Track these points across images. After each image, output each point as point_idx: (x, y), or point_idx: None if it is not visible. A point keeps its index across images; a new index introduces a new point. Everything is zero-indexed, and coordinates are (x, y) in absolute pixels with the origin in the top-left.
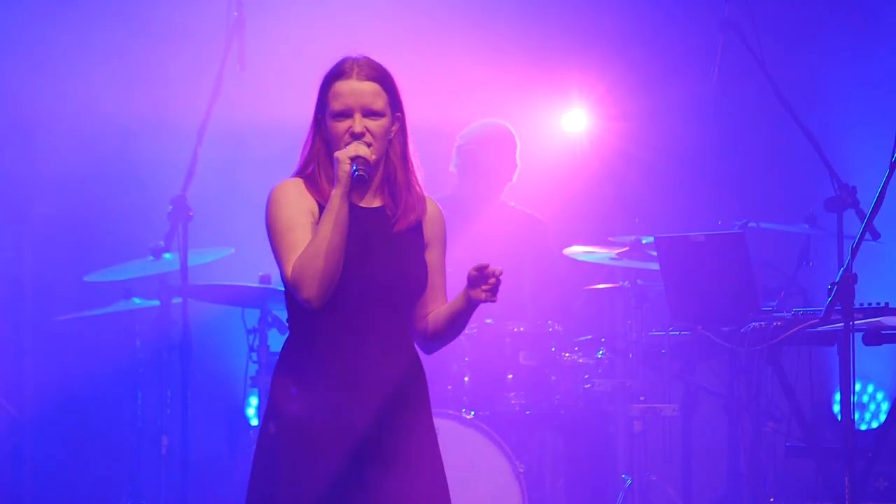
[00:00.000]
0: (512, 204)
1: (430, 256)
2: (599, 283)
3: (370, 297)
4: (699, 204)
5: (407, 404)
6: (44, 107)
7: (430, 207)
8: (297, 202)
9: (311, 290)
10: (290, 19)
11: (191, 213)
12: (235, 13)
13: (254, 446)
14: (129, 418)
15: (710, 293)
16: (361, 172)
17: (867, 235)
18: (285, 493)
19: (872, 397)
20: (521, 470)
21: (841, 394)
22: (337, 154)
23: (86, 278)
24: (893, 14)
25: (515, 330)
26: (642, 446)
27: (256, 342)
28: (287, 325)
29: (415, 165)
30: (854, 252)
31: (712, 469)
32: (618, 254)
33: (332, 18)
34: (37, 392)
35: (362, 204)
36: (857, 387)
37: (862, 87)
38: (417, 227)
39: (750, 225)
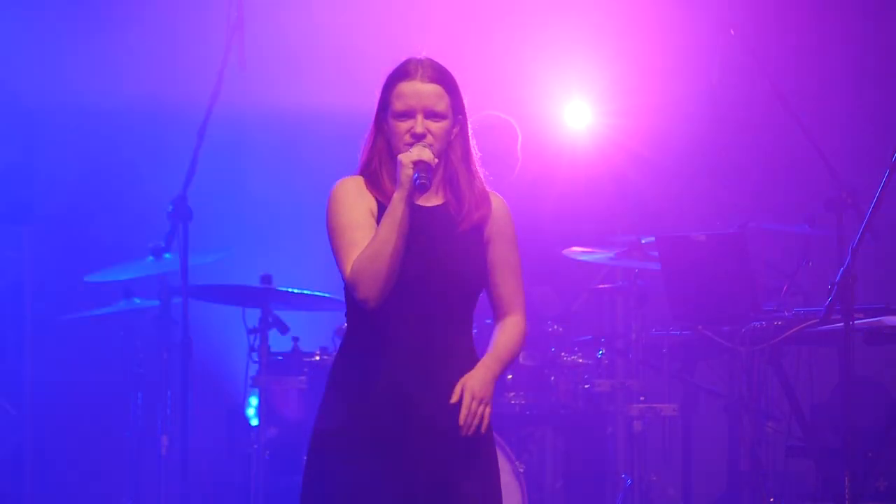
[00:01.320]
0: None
1: (496, 252)
2: (599, 283)
3: (427, 294)
4: (699, 204)
5: (457, 406)
6: (44, 107)
7: (494, 202)
8: (357, 201)
9: (368, 290)
10: (290, 18)
11: (191, 213)
12: (235, 12)
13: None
14: (129, 418)
15: (710, 293)
16: (423, 181)
17: (867, 235)
18: (340, 492)
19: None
20: (521, 470)
21: (841, 394)
22: (400, 157)
23: (86, 278)
24: (893, 13)
25: None
26: (642, 446)
27: (257, 342)
28: (345, 319)
29: (475, 165)
30: (854, 252)
31: (712, 469)
32: (618, 254)
33: (332, 18)
34: (37, 392)
35: (422, 202)
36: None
37: (862, 87)
38: (479, 225)
39: (750, 225)
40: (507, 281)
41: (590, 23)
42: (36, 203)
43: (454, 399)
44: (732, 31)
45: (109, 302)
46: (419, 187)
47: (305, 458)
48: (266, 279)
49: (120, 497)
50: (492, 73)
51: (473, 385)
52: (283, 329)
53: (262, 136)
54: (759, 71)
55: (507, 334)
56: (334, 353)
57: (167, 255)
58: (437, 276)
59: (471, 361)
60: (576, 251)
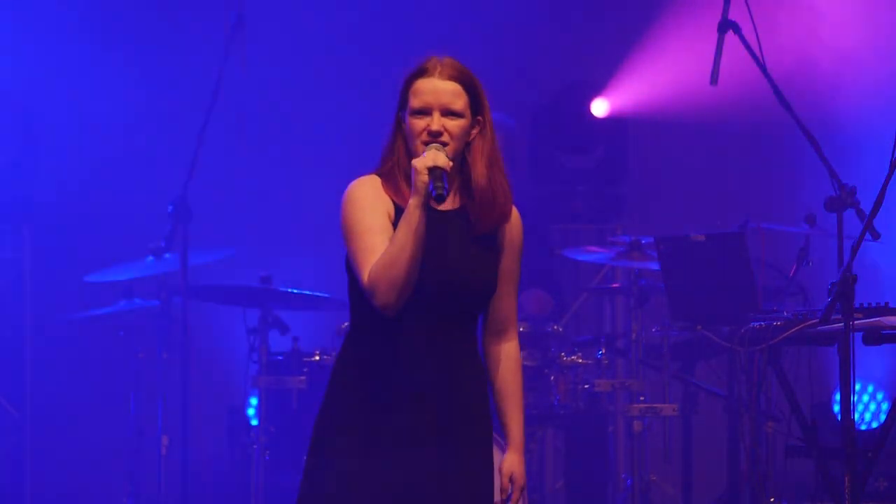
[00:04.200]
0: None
1: (505, 263)
2: (599, 283)
3: (437, 299)
4: (699, 204)
5: (465, 409)
6: (44, 107)
7: (512, 213)
8: (373, 204)
9: (386, 297)
10: (290, 19)
11: (191, 214)
12: (236, 13)
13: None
14: (129, 418)
15: (710, 293)
16: (440, 192)
17: (867, 235)
18: (341, 492)
19: (872, 397)
20: None
21: (841, 394)
22: (414, 163)
23: (86, 278)
24: (894, 12)
25: None
26: (642, 446)
27: (257, 342)
28: (350, 319)
29: (503, 170)
30: (854, 252)
31: (712, 469)
32: (618, 254)
33: (333, 18)
34: (37, 392)
35: (439, 206)
36: (857, 387)
37: (862, 87)
38: (494, 233)
39: (750, 225)
40: (510, 293)
41: (586, 25)
42: (36, 203)
43: (503, 496)
44: (732, 31)
45: (109, 302)
46: (436, 199)
47: (306, 457)
48: (266, 279)
49: (120, 497)
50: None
51: (519, 479)
52: (283, 329)
53: (262, 136)
54: (759, 71)
55: (516, 379)
56: (335, 353)
57: (167, 255)
58: (449, 281)
59: (476, 366)
60: (576, 251)
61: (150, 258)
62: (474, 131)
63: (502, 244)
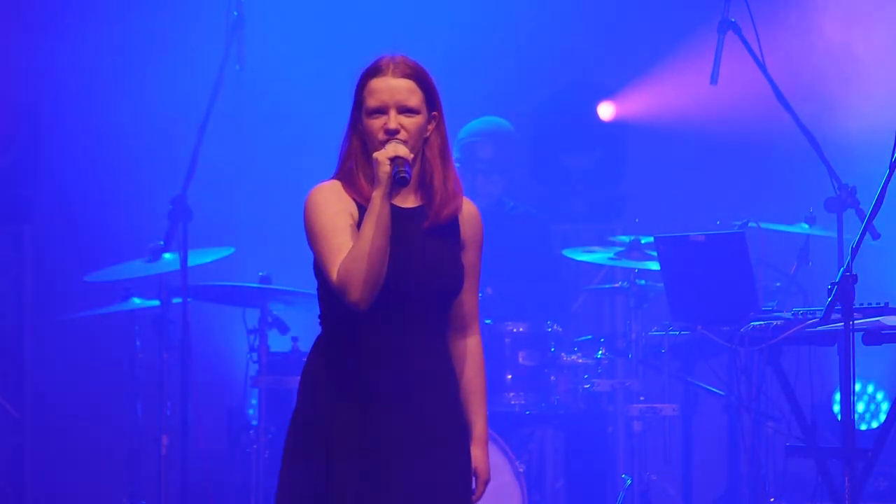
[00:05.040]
0: (511, 204)
1: (465, 257)
2: (599, 284)
3: (405, 296)
4: (699, 204)
5: (441, 408)
6: (44, 107)
7: (467, 208)
8: (335, 205)
9: (358, 292)
10: (290, 19)
11: (191, 213)
12: (235, 13)
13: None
14: (129, 418)
15: (710, 293)
16: (403, 174)
17: (867, 235)
18: (312, 491)
19: (872, 397)
20: (521, 470)
21: (841, 394)
22: (376, 155)
23: (86, 278)
24: (894, 11)
25: (515, 330)
26: (642, 446)
27: (256, 342)
28: (319, 322)
29: (452, 164)
30: (854, 252)
31: (712, 469)
32: (618, 254)
33: (333, 18)
34: (37, 392)
35: (398, 203)
36: (857, 387)
37: (862, 87)
38: (454, 227)
39: (750, 225)
40: (471, 288)
41: (585, 25)
42: (36, 203)
43: (477, 497)
44: (732, 32)
45: (109, 302)
46: (399, 181)
47: (281, 465)
48: (265, 279)
49: (120, 497)
50: (492, 74)
51: (483, 473)
52: (283, 329)
53: (261, 136)
54: (759, 71)
55: (480, 375)
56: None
57: (167, 255)
58: (417, 278)
59: (446, 361)
60: (576, 251)
61: (150, 258)
62: (430, 127)
63: (463, 239)
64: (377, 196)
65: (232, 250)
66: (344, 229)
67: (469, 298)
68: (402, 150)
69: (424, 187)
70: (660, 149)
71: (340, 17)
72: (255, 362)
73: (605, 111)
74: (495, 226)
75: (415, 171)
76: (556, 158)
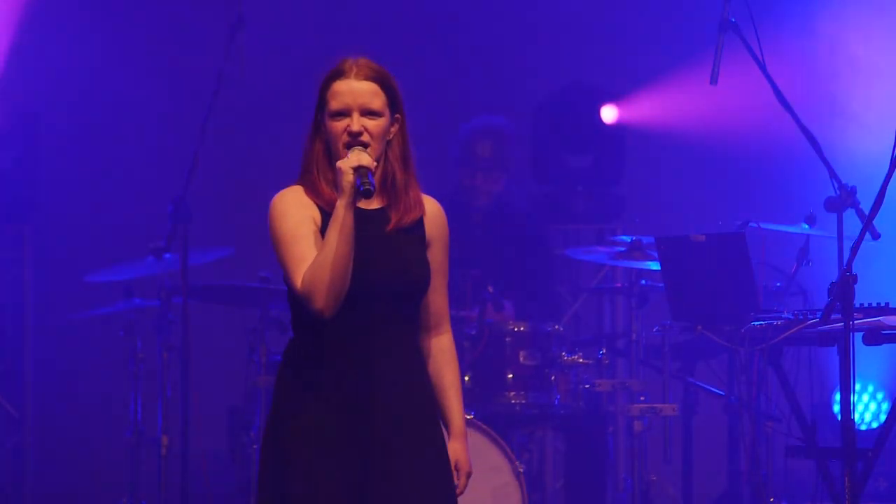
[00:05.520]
0: (509, 202)
1: (432, 256)
2: (599, 283)
3: (373, 298)
4: (699, 204)
5: (414, 407)
6: (45, 107)
7: (430, 207)
8: (298, 212)
9: (322, 301)
10: (290, 19)
11: (191, 214)
12: (236, 13)
13: (258, 447)
14: (129, 418)
15: (710, 293)
16: (367, 187)
17: (867, 235)
18: (292, 493)
19: (872, 397)
20: (521, 470)
21: (841, 394)
22: (339, 164)
23: (86, 278)
24: (894, 11)
25: (515, 330)
26: (642, 446)
27: (256, 342)
28: (290, 326)
29: (414, 167)
30: (854, 252)
31: (712, 469)
32: (618, 254)
33: (333, 18)
34: (37, 392)
35: (362, 206)
36: (857, 387)
37: (862, 87)
38: (419, 227)
39: (750, 225)
40: (440, 287)
41: (585, 26)
42: (37, 203)
43: (460, 490)
44: (732, 32)
45: (109, 302)
46: (363, 193)
47: (258, 471)
48: (266, 279)
49: (120, 497)
50: (492, 73)
51: (464, 466)
52: (283, 329)
53: (262, 136)
54: (759, 71)
55: (452, 370)
56: (280, 364)
57: (167, 255)
58: (383, 279)
59: (418, 359)
60: (576, 251)
61: (150, 258)
62: (393, 129)
63: (428, 238)
64: (340, 205)
65: (232, 250)
66: (307, 236)
67: (437, 297)
68: (366, 159)
69: (387, 189)
70: (660, 149)
71: (340, 17)
72: (255, 362)
73: (608, 114)
74: (495, 225)
75: (377, 175)
76: (556, 158)
